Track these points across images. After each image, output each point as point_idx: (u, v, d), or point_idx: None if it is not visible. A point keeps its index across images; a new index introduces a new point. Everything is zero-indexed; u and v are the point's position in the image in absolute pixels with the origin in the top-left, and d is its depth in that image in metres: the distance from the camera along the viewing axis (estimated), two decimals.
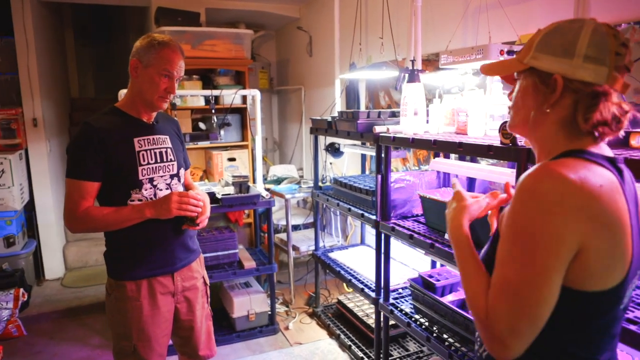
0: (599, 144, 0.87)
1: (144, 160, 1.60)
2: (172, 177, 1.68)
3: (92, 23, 6.41)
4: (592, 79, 0.82)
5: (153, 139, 1.65)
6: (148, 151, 1.62)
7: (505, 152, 1.55)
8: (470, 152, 1.74)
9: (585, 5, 1.49)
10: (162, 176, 1.65)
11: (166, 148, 1.68)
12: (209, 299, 1.87)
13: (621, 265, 0.81)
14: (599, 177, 0.80)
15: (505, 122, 1.55)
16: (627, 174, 0.89)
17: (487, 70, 1.02)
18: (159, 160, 1.64)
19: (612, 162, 0.85)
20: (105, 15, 6.37)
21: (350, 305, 3.05)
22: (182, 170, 1.74)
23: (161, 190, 1.64)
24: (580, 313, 0.82)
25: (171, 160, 1.68)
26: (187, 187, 1.82)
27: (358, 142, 3.29)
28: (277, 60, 5.27)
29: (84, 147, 1.53)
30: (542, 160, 0.89)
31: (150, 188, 1.62)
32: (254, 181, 3.51)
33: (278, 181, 3.92)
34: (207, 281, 1.87)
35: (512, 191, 1.00)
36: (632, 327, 1.21)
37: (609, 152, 0.88)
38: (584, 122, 0.83)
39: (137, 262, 1.62)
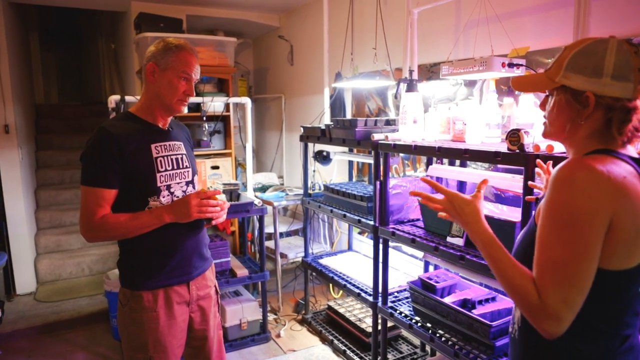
0: (626, 147, 0.99)
1: (161, 167, 1.58)
2: (187, 183, 1.67)
3: (57, 27, 6.17)
4: (620, 95, 0.93)
5: (169, 145, 1.63)
6: (165, 157, 1.60)
7: (513, 157, 1.65)
8: (477, 158, 1.83)
9: (585, 22, 1.62)
10: (178, 183, 1.63)
11: (182, 154, 1.66)
12: (219, 308, 1.86)
13: None
14: (623, 170, 0.92)
15: (513, 129, 1.65)
16: None
17: (519, 86, 1.11)
18: (175, 167, 1.63)
19: (635, 161, 0.96)
20: (71, 19, 6.16)
21: (341, 310, 3.08)
22: (196, 177, 1.73)
23: (177, 197, 1.63)
24: (604, 290, 0.92)
25: (187, 167, 1.67)
26: None
27: (346, 150, 3.35)
28: (255, 69, 5.28)
29: (101, 153, 1.48)
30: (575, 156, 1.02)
31: (168, 195, 1.60)
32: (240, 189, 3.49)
33: (263, 189, 3.92)
34: (218, 290, 1.85)
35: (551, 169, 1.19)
36: None
37: (634, 153, 0.99)
38: (618, 133, 0.96)
39: (154, 271, 1.59)
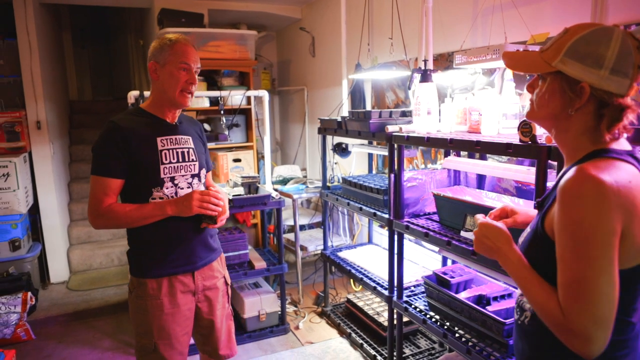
0: (619, 140, 0.97)
1: (166, 159, 1.62)
2: (193, 176, 1.71)
3: (89, 25, 6.38)
4: (615, 90, 0.90)
5: (176, 138, 1.67)
6: (170, 150, 1.64)
7: (525, 149, 1.58)
8: (489, 150, 1.76)
9: (603, 5, 1.53)
10: (183, 175, 1.67)
11: (188, 148, 1.70)
12: (230, 299, 1.89)
13: None
14: (627, 173, 0.90)
15: (525, 120, 1.58)
16: None
17: (511, 63, 1.06)
18: (180, 160, 1.66)
19: (631, 155, 0.95)
20: (103, 17, 6.35)
21: (360, 304, 3.07)
22: (203, 171, 1.76)
23: (182, 189, 1.67)
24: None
25: (193, 161, 1.70)
26: (207, 188, 1.84)
27: (365, 142, 3.31)
28: (279, 61, 5.28)
29: (107, 144, 1.56)
30: (571, 159, 1.00)
31: (172, 186, 1.64)
32: (260, 181, 3.51)
33: (284, 181, 3.94)
34: (229, 281, 1.88)
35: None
36: None
37: (627, 145, 0.98)
38: (607, 130, 0.94)
39: (159, 260, 1.64)
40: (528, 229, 1.10)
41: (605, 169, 0.89)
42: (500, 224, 1.10)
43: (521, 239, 1.11)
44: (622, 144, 0.97)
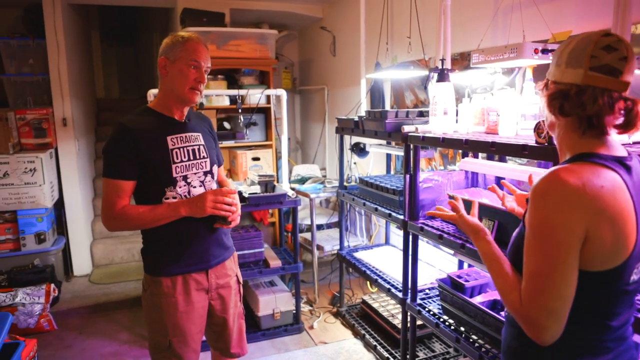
0: (610, 144, 0.99)
1: (177, 158, 1.62)
2: (205, 174, 1.70)
3: (117, 24, 6.53)
4: (571, 80, 0.96)
5: (186, 136, 1.66)
6: (181, 149, 1.64)
7: (541, 151, 1.54)
8: (504, 151, 1.72)
9: (626, 2, 1.46)
10: (195, 173, 1.66)
11: (199, 145, 1.69)
12: (241, 297, 1.88)
13: (622, 250, 0.93)
14: (601, 179, 0.92)
15: (540, 121, 1.53)
16: (637, 168, 1.01)
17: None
18: (192, 158, 1.66)
19: (620, 162, 0.97)
20: (130, 16, 6.49)
21: (375, 305, 3.04)
22: (215, 167, 1.75)
23: (195, 187, 1.66)
24: (588, 288, 0.95)
25: (204, 158, 1.70)
26: (220, 184, 1.85)
27: (383, 142, 3.28)
28: (300, 60, 5.29)
29: (118, 147, 1.56)
30: (562, 159, 1.06)
31: (185, 185, 1.63)
32: (278, 180, 3.53)
33: (302, 181, 3.94)
34: (241, 279, 1.88)
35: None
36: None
37: (621, 151, 1.00)
38: (588, 123, 0.97)
39: (173, 259, 1.64)
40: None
41: (577, 172, 0.92)
42: (472, 219, 1.20)
43: (515, 232, 1.16)
44: (616, 149, 0.99)
